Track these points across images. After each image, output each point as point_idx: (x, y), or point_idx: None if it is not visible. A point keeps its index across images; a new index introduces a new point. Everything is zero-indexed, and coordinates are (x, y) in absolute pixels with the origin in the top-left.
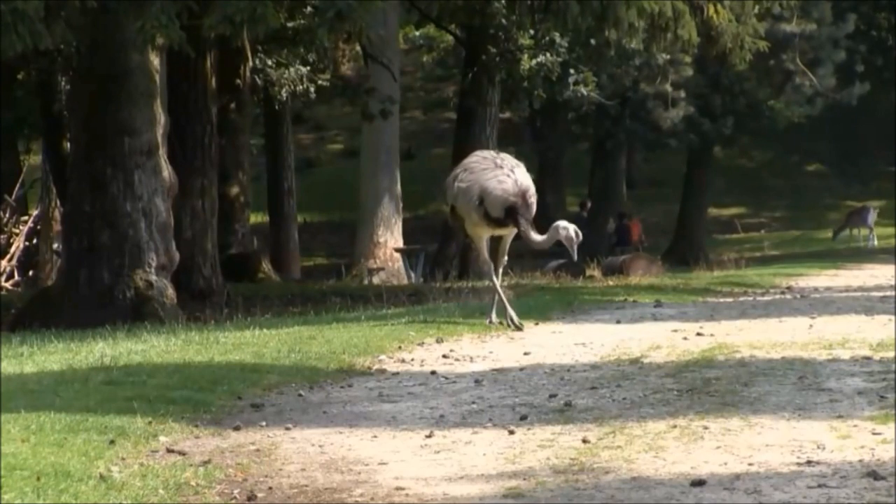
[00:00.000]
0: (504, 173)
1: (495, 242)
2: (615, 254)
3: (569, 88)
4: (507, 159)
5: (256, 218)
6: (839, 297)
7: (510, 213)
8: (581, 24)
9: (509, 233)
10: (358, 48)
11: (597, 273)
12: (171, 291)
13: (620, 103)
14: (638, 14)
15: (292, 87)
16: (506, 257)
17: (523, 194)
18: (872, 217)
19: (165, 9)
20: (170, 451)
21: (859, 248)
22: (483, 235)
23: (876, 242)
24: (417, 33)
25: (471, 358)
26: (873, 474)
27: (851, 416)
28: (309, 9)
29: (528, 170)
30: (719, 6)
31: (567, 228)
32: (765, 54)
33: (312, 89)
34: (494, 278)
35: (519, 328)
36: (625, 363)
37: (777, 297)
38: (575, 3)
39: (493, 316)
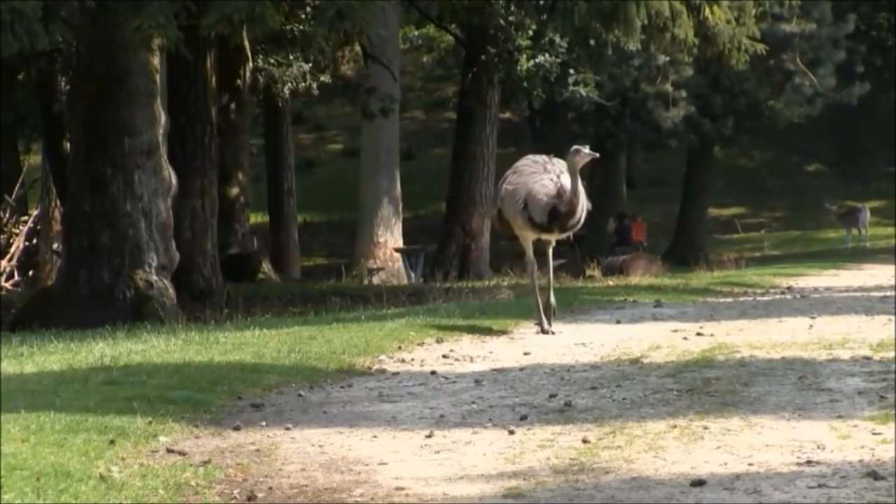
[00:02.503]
0: (549, 178)
1: (541, 246)
2: (615, 254)
3: (567, 89)
4: (558, 164)
5: (256, 218)
6: (839, 297)
7: (553, 216)
8: (589, 24)
9: (555, 238)
10: (358, 48)
11: (597, 273)
12: (171, 291)
13: (620, 103)
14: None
15: (295, 84)
16: (552, 262)
17: (561, 194)
18: (865, 217)
19: (163, 8)
20: (170, 451)
21: (856, 249)
22: (529, 238)
23: (868, 243)
24: (417, 33)
25: (471, 358)
26: (873, 474)
27: (851, 416)
28: (308, 10)
29: None
30: (716, 7)
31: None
32: (765, 54)
33: (315, 86)
34: (535, 281)
35: (546, 332)
36: (625, 363)
37: (777, 297)
38: (583, 3)
39: (545, 324)
